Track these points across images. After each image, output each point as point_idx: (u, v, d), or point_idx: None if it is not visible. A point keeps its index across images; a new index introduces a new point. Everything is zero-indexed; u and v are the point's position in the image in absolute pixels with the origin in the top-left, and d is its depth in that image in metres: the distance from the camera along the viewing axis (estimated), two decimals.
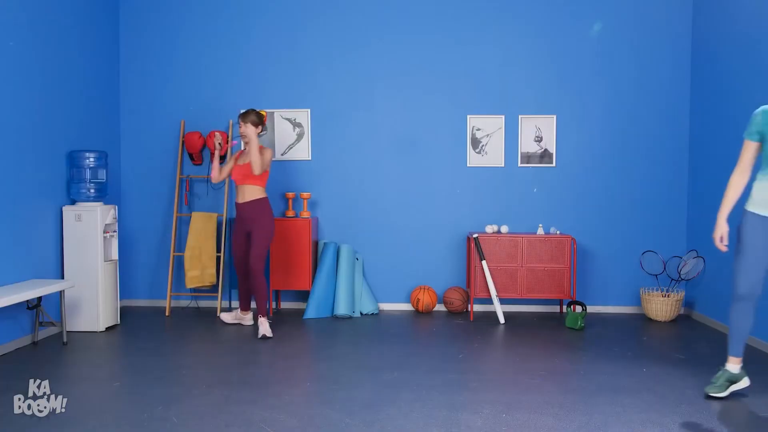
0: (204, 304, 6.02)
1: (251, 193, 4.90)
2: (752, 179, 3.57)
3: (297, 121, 5.90)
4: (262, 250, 4.86)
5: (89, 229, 4.96)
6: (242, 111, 4.92)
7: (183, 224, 5.98)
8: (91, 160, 5.08)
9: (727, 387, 3.55)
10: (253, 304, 5.72)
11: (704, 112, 5.52)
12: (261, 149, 4.93)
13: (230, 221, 5.70)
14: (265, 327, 4.83)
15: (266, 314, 4.93)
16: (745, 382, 3.58)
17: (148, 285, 6.04)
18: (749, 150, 3.50)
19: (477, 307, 5.80)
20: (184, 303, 6.04)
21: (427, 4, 5.86)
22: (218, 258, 5.82)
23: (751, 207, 3.49)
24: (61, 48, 5.07)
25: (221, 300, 5.78)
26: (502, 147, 5.83)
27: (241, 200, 4.93)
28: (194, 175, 5.96)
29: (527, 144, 5.84)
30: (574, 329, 5.13)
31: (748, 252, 3.44)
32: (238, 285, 5.20)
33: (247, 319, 5.26)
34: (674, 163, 5.81)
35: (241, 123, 4.88)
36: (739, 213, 3.60)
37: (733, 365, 3.56)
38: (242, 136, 4.91)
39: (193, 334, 5.09)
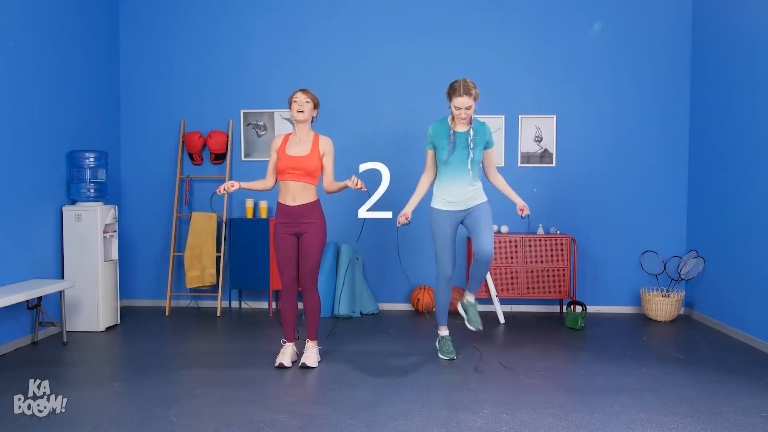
0: (204, 304, 6.02)
1: (306, 193, 4.01)
2: None
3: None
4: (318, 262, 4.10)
5: (89, 229, 4.96)
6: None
7: (183, 224, 5.98)
8: (91, 160, 5.08)
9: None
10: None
11: (704, 113, 5.52)
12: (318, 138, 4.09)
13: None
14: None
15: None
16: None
17: (148, 285, 6.04)
18: None
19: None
20: (184, 303, 6.04)
21: (427, 5, 5.86)
22: (218, 258, 5.82)
23: None
24: (61, 48, 5.07)
25: (221, 300, 5.78)
26: (502, 147, 5.83)
27: (292, 202, 3.99)
28: (194, 175, 5.96)
29: (527, 144, 5.84)
30: (574, 329, 5.13)
31: None
32: (287, 308, 4.11)
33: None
34: (674, 164, 5.80)
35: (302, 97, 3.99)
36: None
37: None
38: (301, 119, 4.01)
39: (193, 334, 5.09)
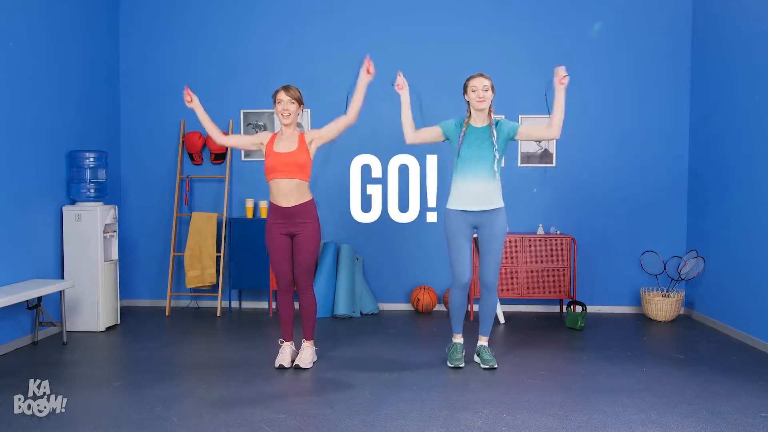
0: (204, 304, 6.02)
1: (299, 192, 3.97)
2: None
3: (297, 121, 5.88)
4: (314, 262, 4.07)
5: (89, 229, 4.96)
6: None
7: (183, 224, 5.98)
8: (91, 160, 5.08)
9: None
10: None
11: (704, 112, 5.52)
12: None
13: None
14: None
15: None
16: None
17: (148, 285, 6.04)
18: None
19: (477, 307, 5.79)
20: (184, 303, 6.04)
21: (427, 6, 5.86)
22: (218, 258, 5.82)
23: None
24: (61, 48, 5.07)
25: (221, 300, 5.78)
26: None
27: (285, 203, 3.94)
28: (194, 175, 5.96)
29: (527, 144, 5.84)
30: (574, 329, 5.13)
31: None
32: (284, 308, 4.10)
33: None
34: (674, 164, 5.80)
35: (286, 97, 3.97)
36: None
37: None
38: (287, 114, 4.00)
39: (193, 334, 5.09)
